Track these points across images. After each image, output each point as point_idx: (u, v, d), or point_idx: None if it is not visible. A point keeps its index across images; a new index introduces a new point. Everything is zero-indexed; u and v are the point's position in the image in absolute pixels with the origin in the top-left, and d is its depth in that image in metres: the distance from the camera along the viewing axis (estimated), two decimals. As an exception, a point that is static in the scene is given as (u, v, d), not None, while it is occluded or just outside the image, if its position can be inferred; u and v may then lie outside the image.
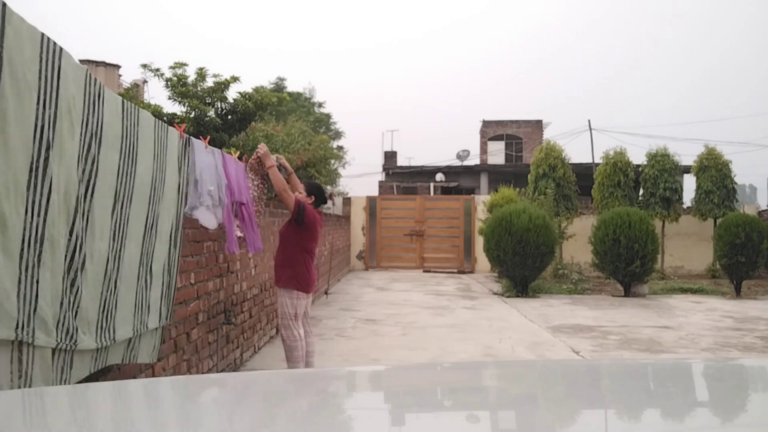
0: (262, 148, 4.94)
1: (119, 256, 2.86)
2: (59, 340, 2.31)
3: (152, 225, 3.22)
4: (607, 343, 7.12)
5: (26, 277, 2.08)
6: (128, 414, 1.30)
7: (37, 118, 2.08)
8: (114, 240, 2.78)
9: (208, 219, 3.93)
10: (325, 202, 5.31)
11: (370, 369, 2.84)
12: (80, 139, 2.40)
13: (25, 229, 2.06)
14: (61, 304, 2.33)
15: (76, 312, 2.46)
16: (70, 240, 2.37)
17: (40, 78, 2.10)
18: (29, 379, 2.12)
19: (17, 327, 2.03)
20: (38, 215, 2.12)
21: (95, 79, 2.51)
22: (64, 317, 2.35)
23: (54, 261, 2.24)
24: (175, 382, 1.72)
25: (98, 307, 2.68)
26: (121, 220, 2.83)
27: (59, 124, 2.21)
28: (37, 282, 2.14)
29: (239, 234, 4.93)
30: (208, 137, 4.31)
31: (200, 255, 4.51)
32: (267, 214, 5.79)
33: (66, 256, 2.35)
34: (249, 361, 5.98)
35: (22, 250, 2.06)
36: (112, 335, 2.82)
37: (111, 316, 2.82)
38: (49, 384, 2.26)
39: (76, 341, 2.43)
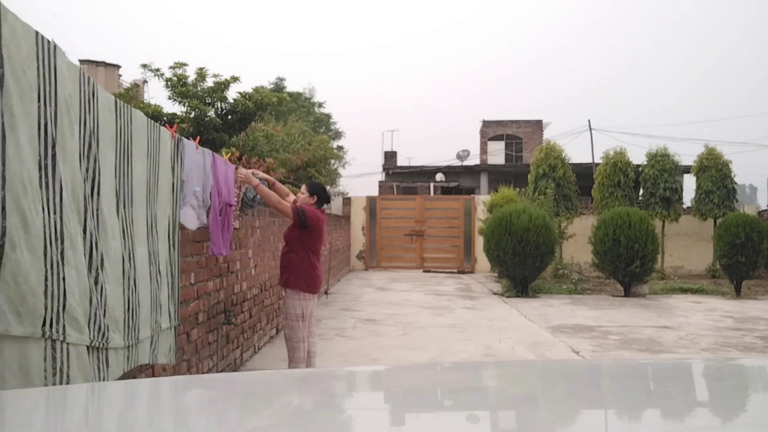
0: (241, 173, 4.91)
1: (132, 255, 2.87)
2: (92, 338, 2.32)
3: (152, 225, 3.23)
4: (607, 343, 7.12)
5: (52, 274, 2.08)
6: (128, 414, 1.30)
7: (39, 116, 2.09)
8: (124, 239, 2.79)
9: (190, 220, 3.91)
10: (328, 202, 5.31)
11: (370, 369, 2.84)
12: (80, 138, 2.40)
13: (45, 226, 2.07)
14: (91, 301, 2.34)
15: (105, 310, 2.47)
16: (85, 238, 2.37)
17: (38, 76, 2.10)
18: (66, 376, 2.13)
19: (44, 324, 2.03)
20: (54, 213, 2.13)
21: (89, 78, 2.51)
22: (95, 315, 2.36)
23: (76, 258, 2.25)
24: (175, 382, 1.72)
25: (123, 305, 2.70)
26: (126, 219, 2.84)
27: (60, 121, 2.21)
28: (64, 279, 2.15)
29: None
30: (198, 137, 4.31)
31: (200, 255, 4.50)
32: (266, 214, 5.81)
33: (84, 254, 2.36)
34: (249, 361, 5.98)
35: (45, 247, 2.06)
36: (137, 334, 2.85)
37: (136, 315, 2.84)
38: (89, 381, 2.27)
39: (108, 339, 2.44)
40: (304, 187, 5.13)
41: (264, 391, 1.47)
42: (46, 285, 2.05)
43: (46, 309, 2.04)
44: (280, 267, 5.07)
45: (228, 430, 1.16)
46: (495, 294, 11.83)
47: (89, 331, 2.29)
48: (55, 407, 1.29)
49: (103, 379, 2.41)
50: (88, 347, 2.29)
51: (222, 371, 5.04)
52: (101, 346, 2.39)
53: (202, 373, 4.57)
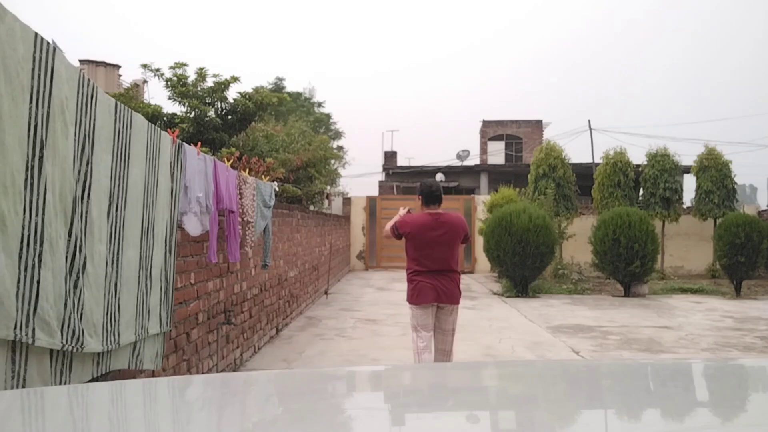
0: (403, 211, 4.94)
1: (118, 258, 2.85)
2: (65, 342, 2.30)
3: (148, 229, 3.21)
4: (607, 343, 7.12)
5: (25, 276, 2.07)
6: (128, 414, 1.29)
7: (30, 117, 2.08)
8: (111, 242, 2.77)
9: (193, 225, 3.91)
10: (434, 200, 4.76)
11: (370, 369, 2.84)
12: (74, 140, 2.39)
13: (24, 228, 2.06)
14: (65, 305, 2.31)
15: (81, 314, 2.45)
16: (69, 241, 2.36)
17: (33, 77, 2.09)
18: (23, 380, 2.11)
19: (16, 327, 2.03)
20: (36, 215, 2.12)
21: (88, 80, 2.50)
22: (70, 318, 2.34)
23: (54, 261, 2.23)
24: (175, 382, 1.72)
25: (102, 310, 2.67)
26: (117, 222, 2.82)
27: (52, 123, 2.20)
28: (38, 282, 2.13)
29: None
30: (199, 143, 4.29)
31: (200, 255, 4.50)
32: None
33: (66, 257, 2.34)
34: (249, 361, 5.98)
35: (21, 249, 2.05)
36: (117, 339, 2.81)
37: (115, 320, 2.81)
38: (47, 385, 2.25)
39: (82, 344, 2.42)
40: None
41: (264, 391, 1.47)
42: (18, 287, 2.04)
43: (17, 311, 2.03)
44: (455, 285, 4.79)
45: (228, 430, 1.16)
46: (495, 294, 11.82)
47: (61, 335, 2.27)
48: (52, 407, 1.29)
49: (65, 384, 2.38)
50: (51, 351, 2.28)
51: (222, 371, 5.04)
52: (75, 350, 2.38)
53: (202, 373, 4.57)
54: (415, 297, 4.69)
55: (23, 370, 2.12)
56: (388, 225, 4.90)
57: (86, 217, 2.50)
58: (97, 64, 19.21)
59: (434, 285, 4.62)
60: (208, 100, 10.17)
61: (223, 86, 10.23)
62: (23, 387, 2.10)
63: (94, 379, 2.66)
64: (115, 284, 2.82)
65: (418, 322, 4.62)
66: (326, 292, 10.93)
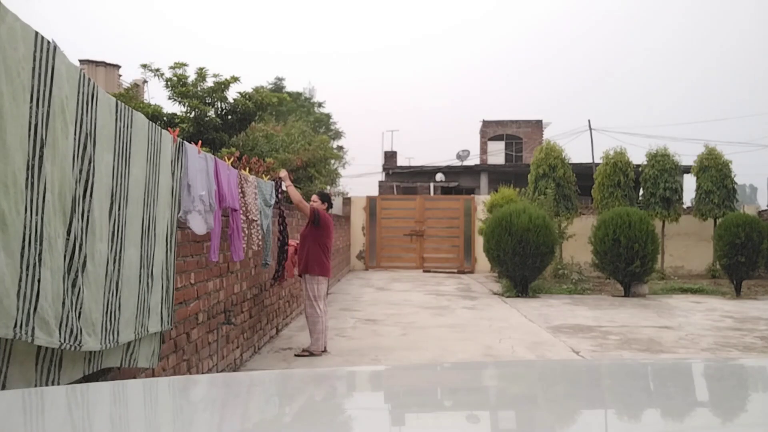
0: (283, 172, 6.50)
1: (120, 257, 2.85)
2: (63, 341, 2.29)
3: (149, 228, 3.21)
4: (607, 343, 7.12)
5: (26, 275, 2.07)
6: (128, 414, 1.29)
7: (30, 116, 2.08)
8: (113, 241, 2.77)
9: (198, 224, 3.91)
10: (332, 206, 6.74)
11: (370, 369, 2.84)
12: (75, 139, 2.39)
13: (25, 227, 2.06)
14: (63, 304, 2.31)
15: (80, 313, 2.45)
16: (68, 240, 2.36)
17: (33, 76, 2.09)
18: (3, 377, 2.10)
19: (15, 326, 2.03)
20: (36, 214, 2.12)
21: (89, 79, 2.50)
22: (68, 318, 2.33)
23: (53, 260, 2.23)
24: (175, 382, 1.72)
25: (102, 308, 2.66)
26: (119, 221, 2.83)
27: (52, 122, 2.20)
28: (39, 281, 2.13)
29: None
30: (200, 141, 4.30)
31: (200, 255, 4.50)
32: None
33: (65, 256, 2.34)
34: (249, 361, 5.98)
35: (23, 248, 2.05)
36: (115, 337, 2.81)
37: (115, 318, 2.80)
38: (31, 385, 2.24)
39: (80, 342, 2.42)
40: (315, 196, 6.48)
41: (264, 391, 1.47)
42: (19, 286, 2.03)
43: (17, 310, 2.02)
44: (297, 259, 6.42)
45: (228, 430, 1.16)
46: (495, 294, 11.83)
47: (59, 334, 2.27)
48: (52, 407, 1.29)
49: (53, 383, 2.36)
50: (38, 349, 2.27)
51: (222, 371, 5.04)
52: (73, 348, 2.37)
53: (202, 373, 4.57)
54: (328, 271, 6.39)
55: (5, 367, 2.11)
56: (312, 203, 6.33)
57: (88, 216, 2.50)
58: (97, 64, 19.22)
59: (330, 265, 6.50)
60: (208, 100, 10.18)
61: (223, 86, 10.24)
62: (4, 385, 2.09)
63: (86, 378, 2.65)
64: (116, 283, 2.82)
65: (326, 292, 6.36)
66: (326, 292, 10.90)
